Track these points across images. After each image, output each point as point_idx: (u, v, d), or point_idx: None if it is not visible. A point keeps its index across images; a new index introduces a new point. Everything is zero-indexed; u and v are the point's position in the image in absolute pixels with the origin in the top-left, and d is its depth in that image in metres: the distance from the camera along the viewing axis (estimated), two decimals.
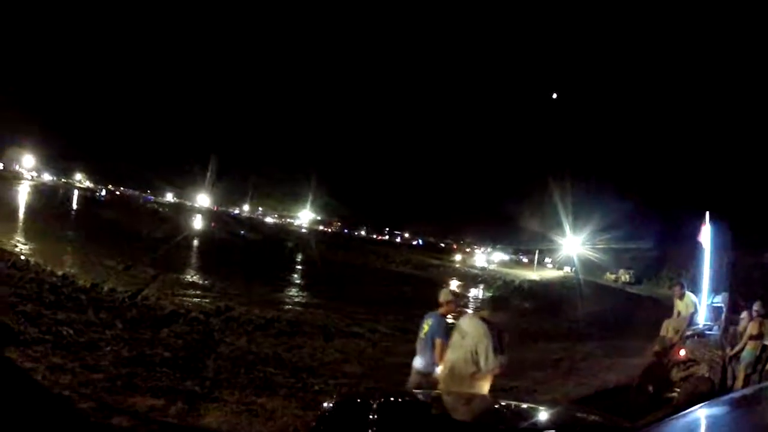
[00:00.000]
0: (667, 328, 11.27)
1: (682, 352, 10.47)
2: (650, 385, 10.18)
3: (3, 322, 12.19)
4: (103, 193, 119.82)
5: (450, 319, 8.37)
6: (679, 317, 11.50)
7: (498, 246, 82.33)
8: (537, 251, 76.76)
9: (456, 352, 6.50)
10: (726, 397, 4.28)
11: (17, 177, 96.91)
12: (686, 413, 2.88)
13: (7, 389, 8.37)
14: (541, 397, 10.22)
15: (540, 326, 24.50)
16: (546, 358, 16.21)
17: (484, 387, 6.35)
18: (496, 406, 4.51)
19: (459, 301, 8.67)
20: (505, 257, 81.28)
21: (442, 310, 8.21)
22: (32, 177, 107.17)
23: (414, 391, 6.89)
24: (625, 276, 65.28)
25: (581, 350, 18.22)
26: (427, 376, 7.80)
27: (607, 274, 66.86)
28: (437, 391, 6.28)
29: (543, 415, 4.13)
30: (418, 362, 8.02)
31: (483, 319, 6.51)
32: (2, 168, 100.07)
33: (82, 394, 9.14)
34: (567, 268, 70.36)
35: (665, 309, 12.68)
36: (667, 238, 53.48)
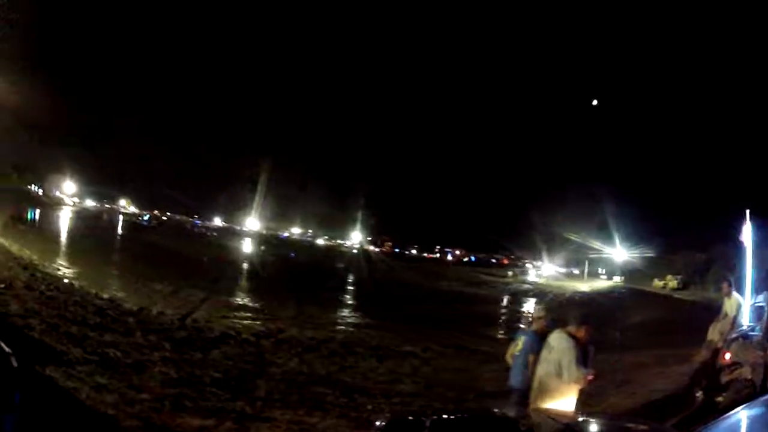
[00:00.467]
0: (714, 332, 11.33)
1: (727, 356, 10.51)
2: (699, 391, 10.52)
3: (45, 342, 12.87)
4: (146, 217, 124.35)
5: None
6: (725, 319, 11.54)
7: (548, 259, 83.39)
8: (587, 262, 79.14)
9: (543, 366, 7.24)
10: (765, 398, 4.53)
11: (58, 203, 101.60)
12: (726, 417, 3.09)
13: (48, 407, 8.77)
14: (594, 409, 10.11)
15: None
16: (597, 369, 15.96)
17: (571, 399, 6.91)
18: (546, 421, 4.67)
19: (550, 316, 8.94)
20: (556, 270, 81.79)
21: (534, 326, 8.90)
22: (74, 203, 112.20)
23: (466, 407, 7.19)
24: (672, 282, 66.02)
25: (631, 360, 18.20)
26: (522, 392, 8.29)
27: (655, 281, 68.20)
28: (493, 408, 6.44)
29: (594, 427, 4.49)
30: (513, 379, 8.79)
31: (569, 334, 7.13)
32: (42, 193, 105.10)
33: (127, 413, 9.61)
34: (616, 278, 72.48)
35: (711, 313, 12.60)
36: (712, 240, 56.38)
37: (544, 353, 7.35)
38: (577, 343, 7.00)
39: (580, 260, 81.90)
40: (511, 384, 8.84)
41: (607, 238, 67.51)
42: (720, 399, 9.91)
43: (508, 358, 9.10)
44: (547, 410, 5.37)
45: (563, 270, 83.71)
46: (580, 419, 4.77)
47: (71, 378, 10.68)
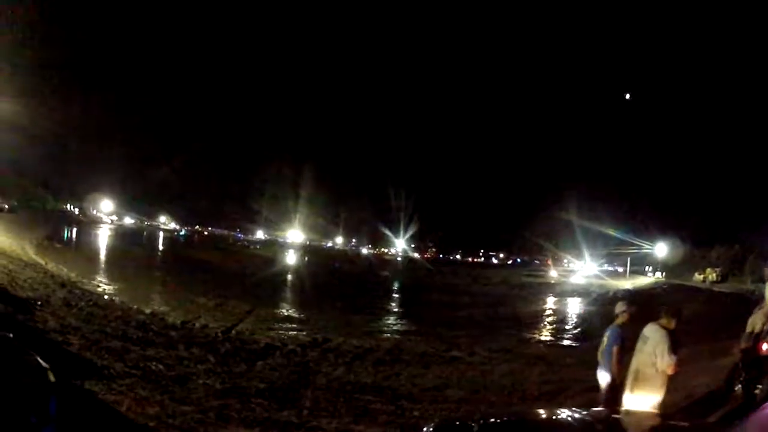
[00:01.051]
0: (753, 324, 11.11)
1: (765, 346, 10.31)
2: (738, 385, 10.73)
3: (84, 357, 13.06)
4: (183, 232, 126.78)
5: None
6: (764, 308, 11.24)
7: (589, 258, 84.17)
8: (628, 259, 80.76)
9: (638, 357, 8.21)
10: None
11: (96, 221, 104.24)
12: (759, 410, 3.32)
13: (86, 420, 8.85)
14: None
15: (630, 335, 24.45)
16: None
17: (662, 387, 7.93)
18: (591, 420, 4.75)
19: (633, 309, 9.72)
20: (598, 268, 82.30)
21: (618, 321, 9.61)
22: (112, 221, 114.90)
23: (513, 411, 7.75)
24: (711, 275, 67.09)
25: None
26: (610, 385, 9.26)
27: (695, 275, 69.32)
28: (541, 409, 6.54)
29: (636, 424, 4.82)
30: (600, 375, 9.53)
31: (662, 326, 8.15)
32: (78, 213, 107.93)
33: (170, 425, 9.64)
34: (658, 274, 74.47)
35: (750, 305, 12.28)
36: (744, 231, 61.71)
37: (639, 345, 8.26)
38: (669, 333, 7.97)
39: (621, 258, 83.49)
40: (599, 380, 9.53)
41: (645, 235, 72.39)
42: (757, 391, 10.00)
43: (599, 355, 9.71)
44: (590, 409, 5.27)
45: (605, 268, 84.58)
46: (623, 416, 5.11)
47: (112, 391, 10.69)
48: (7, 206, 55.33)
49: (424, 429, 4.94)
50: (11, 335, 7.78)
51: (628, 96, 70.06)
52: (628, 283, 58.83)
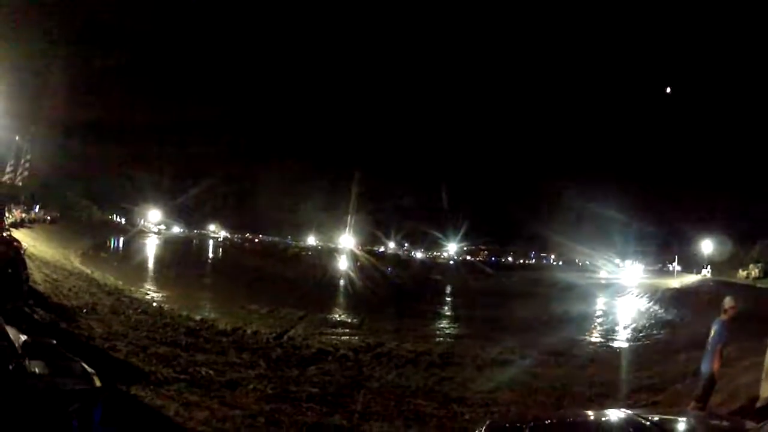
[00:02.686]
0: None
1: None
2: None
3: (131, 363, 13.43)
4: (220, 238, 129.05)
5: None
6: None
7: (639, 257, 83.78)
8: (675, 258, 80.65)
9: None
10: None
11: (143, 231, 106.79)
12: None
13: (131, 423, 9.11)
14: (680, 407, 10.75)
15: (678, 335, 25.40)
16: (686, 370, 16.28)
17: None
18: (638, 421, 4.83)
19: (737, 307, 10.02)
20: (646, 267, 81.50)
21: (724, 316, 9.85)
22: (159, 230, 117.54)
23: (563, 412, 7.92)
24: (754, 271, 66.52)
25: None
26: (708, 378, 9.57)
27: (740, 271, 68.98)
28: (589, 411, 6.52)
29: (683, 426, 5.04)
30: (703, 365, 9.84)
31: None
32: (125, 223, 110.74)
33: (218, 429, 9.96)
34: (704, 271, 73.48)
35: None
36: None
37: None
38: None
39: (667, 256, 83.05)
40: (700, 369, 9.78)
41: (687, 233, 74.32)
42: None
43: (707, 346, 9.84)
44: (639, 412, 5.37)
45: (653, 267, 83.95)
46: (671, 418, 5.21)
47: (159, 396, 11.07)
48: (50, 217, 57.02)
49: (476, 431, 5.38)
50: (54, 341, 8.05)
51: (668, 90, 68.81)
52: (675, 282, 58.63)
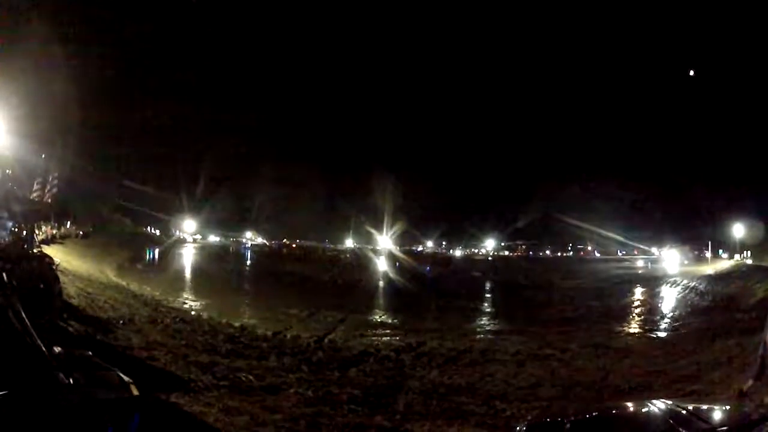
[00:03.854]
0: None
1: None
2: None
3: (171, 372, 13.70)
4: (248, 244, 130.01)
5: None
6: None
7: (674, 245, 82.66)
8: (708, 243, 79.61)
9: None
10: None
11: (179, 241, 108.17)
12: None
13: (169, 430, 9.34)
14: (718, 398, 10.78)
15: (714, 322, 25.53)
16: (721, 357, 17.01)
17: None
18: (681, 414, 4.91)
19: None
20: (683, 255, 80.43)
21: None
22: (195, 240, 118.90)
23: (605, 407, 7.55)
24: None
25: (752, 343, 17.73)
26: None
27: None
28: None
29: (716, 414, 5.10)
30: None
31: None
32: (159, 234, 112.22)
33: None
34: (737, 257, 72.04)
35: None
36: None
37: None
38: None
39: (701, 242, 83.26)
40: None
41: (719, 218, 73.33)
42: None
43: None
44: (677, 402, 5.46)
45: (690, 254, 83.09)
46: (709, 407, 5.35)
47: (199, 403, 11.25)
48: (82, 232, 58.08)
49: (517, 428, 5.70)
50: (90, 353, 8.27)
51: (691, 72, 67.75)
52: (710, 268, 58.12)
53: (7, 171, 16.43)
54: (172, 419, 9.96)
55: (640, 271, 71.81)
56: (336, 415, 11.75)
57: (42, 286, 15.04)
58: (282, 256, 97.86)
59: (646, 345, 21.77)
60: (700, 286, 41.58)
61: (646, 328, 27.36)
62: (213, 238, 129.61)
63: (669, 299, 39.58)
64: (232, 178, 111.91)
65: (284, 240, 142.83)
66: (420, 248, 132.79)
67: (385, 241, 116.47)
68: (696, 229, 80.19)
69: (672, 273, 57.41)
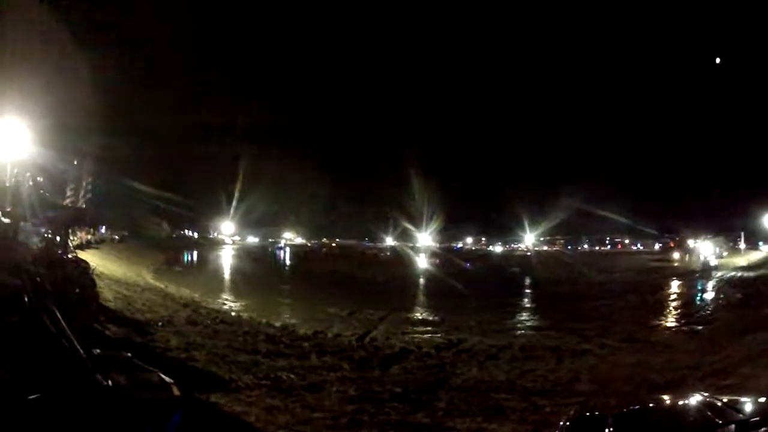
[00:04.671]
0: None
1: None
2: None
3: (211, 372, 13.91)
4: (281, 244, 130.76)
5: None
6: None
7: (708, 236, 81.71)
8: (742, 234, 79.46)
9: None
10: None
11: (217, 243, 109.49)
12: None
13: (210, 430, 9.48)
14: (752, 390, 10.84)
15: (746, 315, 25.44)
16: (752, 351, 16.92)
17: None
18: (718, 407, 5.17)
19: None
20: (718, 246, 79.42)
21: None
22: (234, 241, 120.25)
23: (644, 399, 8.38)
24: None
25: None
26: None
27: None
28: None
29: (749, 405, 5.25)
30: None
31: None
32: (197, 236, 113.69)
33: (299, 431, 10.31)
34: (766, 248, 73.28)
35: None
36: None
37: None
38: None
39: (735, 233, 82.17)
40: None
41: (750, 209, 72.88)
42: None
43: None
44: (713, 394, 5.81)
45: (724, 245, 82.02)
46: (743, 399, 5.46)
47: (239, 402, 11.48)
48: (117, 237, 59.15)
49: (561, 423, 6.07)
50: (129, 354, 8.41)
51: (718, 60, 66.58)
52: (743, 260, 57.60)
53: (39, 178, 16.69)
54: (213, 419, 10.14)
55: (675, 264, 72.31)
56: (377, 412, 11.89)
57: (78, 290, 15.33)
58: (322, 256, 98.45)
59: (682, 339, 21.87)
60: (734, 278, 41.88)
61: (682, 321, 27.39)
62: (252, 239, 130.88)
63: (704, 292, 39.79)
64: (270, 178, 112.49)
65: (323, 239, 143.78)
66: (459, 244, 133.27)
67: (425, 238, 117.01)
68: (728, 220, 79.07)
69: (706, 265, 57.81)
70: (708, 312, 29.13)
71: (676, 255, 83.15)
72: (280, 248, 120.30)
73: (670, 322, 27.80)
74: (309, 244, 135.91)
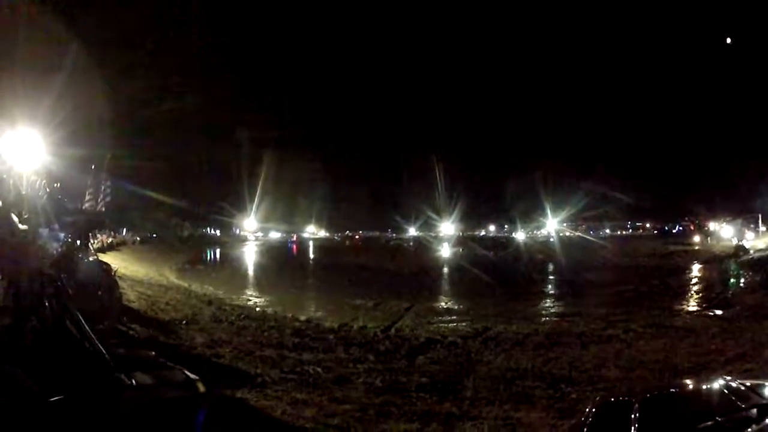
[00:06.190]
0: None
1: None
2: None
3: (237, 368, 14.07)
4: (292, 239, 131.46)
5: None
6: None
7: (727, 219, 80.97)
8: (759, 217, 77.04)
9: None
10: None
11: (240, 240, 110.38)
12: None
13: (239, 425, 9.68)
14: None
15: (764, 301, 25.56)
16: None
17: None
18: (742, 393, 5.46)
19: None
20: (736, 229, 78.66)
21: None
22: (256, 237, 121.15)
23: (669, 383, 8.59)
24: None
25: None
26: None
27: None
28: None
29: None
30: None
31: None
32: (219, 234, 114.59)
33: (328, 425, 10.41)
34: None
35: None
36: None
37: None
38: None
39: (753, 216, 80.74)
40: None
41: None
42: None
43: None
44: (736, 378, 6.05)
45: (743, 229, 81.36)
46: (764, 385, 5.67)
47: (266, 397, 11.60)
48: (138, 238, 59.98)
49: (587, 410, 6.33)
50: (153, 353, 8.55)
51: (728, 40, 65.85)
52: (761, 242, 57.43)
53: (56, 185, 16.88)
54: (240, 414, 10.28)
55: (696, 248, 72.88)
56: (404, 403, 12.03)
57: (100, 292, 15.53)
58: (345, 249, 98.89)
59: (704, 323, 21.81)
60: (754, 262, 41.71)
61: (704, 306, 27.62)
62: (275, 235, 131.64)
63: (724, 276, 39.84)
64: (291, 174, 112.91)
65: (347, 232, 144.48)
66: (482, 232, 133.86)
67: (448, 227, 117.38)
68: (746, 202, 77.60)
69: (727, 248, 58.23)
70: (729, 296, 29.28)
71: (696, 238, 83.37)
72: (292, 242, 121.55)
73: (693, 306, 28.18)
74: (332, 237, 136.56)
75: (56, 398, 5.42)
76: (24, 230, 8.32)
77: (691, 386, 6.69)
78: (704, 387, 6.22)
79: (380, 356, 17.10)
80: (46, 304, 6.64)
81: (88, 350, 6.36)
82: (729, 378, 5.92)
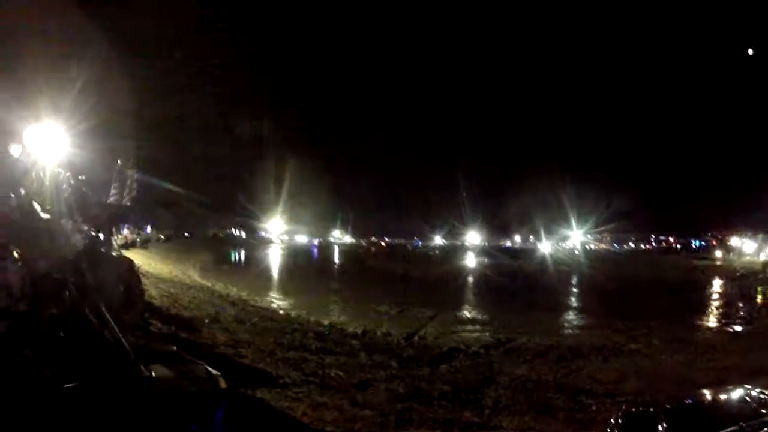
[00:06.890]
0: None
1: None
2: None
3: (258, 368, 14.06)
4: (315, 242, 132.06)
5: None
6: None
7: (747, 234, 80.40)
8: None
9: None
10: None
11: (265, 242, 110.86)
12: None
13: (258, 424, 9.70)
14: None
15: None
16: None
17: None
18: (760, 398, 5.60)
19: None
20: (757, 244, 77.80)
21: None
22: (282, 240, 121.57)
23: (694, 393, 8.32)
24: None
25: None
26: None
27: None
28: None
29: None
30: None
31: None
32: (245, 236, 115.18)
33: (348, 429, 10.44)
34: None
35: None
36: None
37: None
38: None
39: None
40: None
41: None
42: None
43: None
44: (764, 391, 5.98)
45: (764, 244, 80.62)
46: None
47: (286, 398, 11.66)
48: (163, 236, 60.35)
49: (612, 418, 6.32)
50: (174, 347, 8.51)
51: (750, 51, 65.35)
52: None
53: (80, 177, 17.01)
54: (260, 413, 10.28)
55: (718, 263, 72.56)
56: (426, 410, 12.05)
57: (122, 287, 15.58)
58: (370, 254, 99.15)
59: (724, 339, 22.32)
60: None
61: (724, 321, 28.30)
62: (300, 238, 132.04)
63: (745, 292, 40.26)
64: (318, 178, 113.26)
65: (372, 238, 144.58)
66: (508, 243, 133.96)
67: (473, 236, 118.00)
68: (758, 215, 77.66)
69: (747, 264, 58.98)
70: (748, 312, 30.16)
71: (718, 254, 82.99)
72: (316, 246, 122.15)
73: (713, 322, 28.74)
74: (358, 243, 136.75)
75: (71, 385, 5.38)
76: (46, 219, 8.33)
77: (713, 396, 6.88)
78: (726, 396, 6.43)
79: (403, 363, 17.12)
80: (67, 292, 6.61)
81: (107, 340, 6.32)
82: (749, 387, 6.01)
